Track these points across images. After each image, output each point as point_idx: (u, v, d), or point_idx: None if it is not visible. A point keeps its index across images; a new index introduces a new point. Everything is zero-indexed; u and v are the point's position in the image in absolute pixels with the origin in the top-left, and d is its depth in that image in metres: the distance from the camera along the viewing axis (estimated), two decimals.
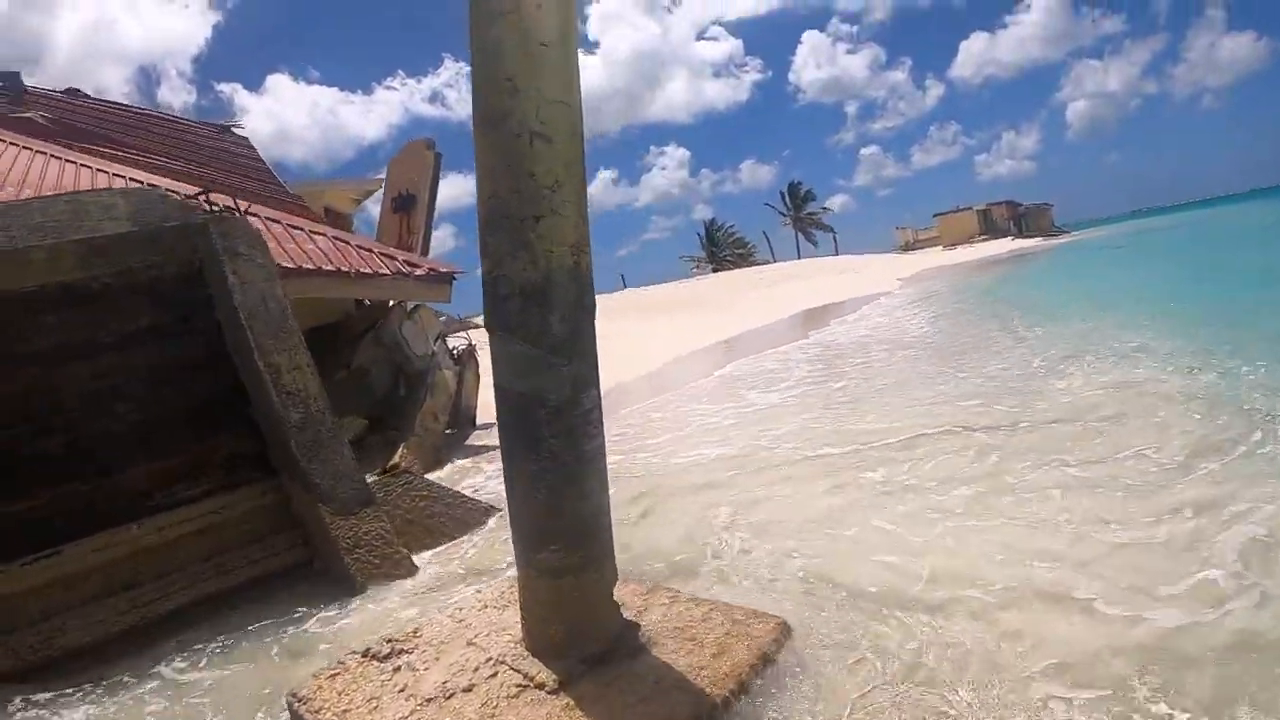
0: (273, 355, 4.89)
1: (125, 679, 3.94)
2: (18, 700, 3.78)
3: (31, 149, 9.74)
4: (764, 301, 28.34)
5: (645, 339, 19.93)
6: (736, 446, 6.95)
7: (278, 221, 8.94)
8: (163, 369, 5.41)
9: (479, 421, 11.00)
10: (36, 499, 4.89)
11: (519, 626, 3.09)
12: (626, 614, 3.16)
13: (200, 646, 4.19)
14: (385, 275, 8.54)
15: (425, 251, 11.95)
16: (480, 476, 7.59)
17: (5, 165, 8.89)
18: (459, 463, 8.54)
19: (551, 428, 2.61)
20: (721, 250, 73.19)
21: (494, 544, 5.09)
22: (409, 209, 11.99)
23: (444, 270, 9.17)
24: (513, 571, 3.21)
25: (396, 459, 7.82)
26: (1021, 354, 9.48)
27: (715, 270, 62.24)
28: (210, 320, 5.32)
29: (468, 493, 6.25)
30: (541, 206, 2.45)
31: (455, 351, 11.03)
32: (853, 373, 10.40)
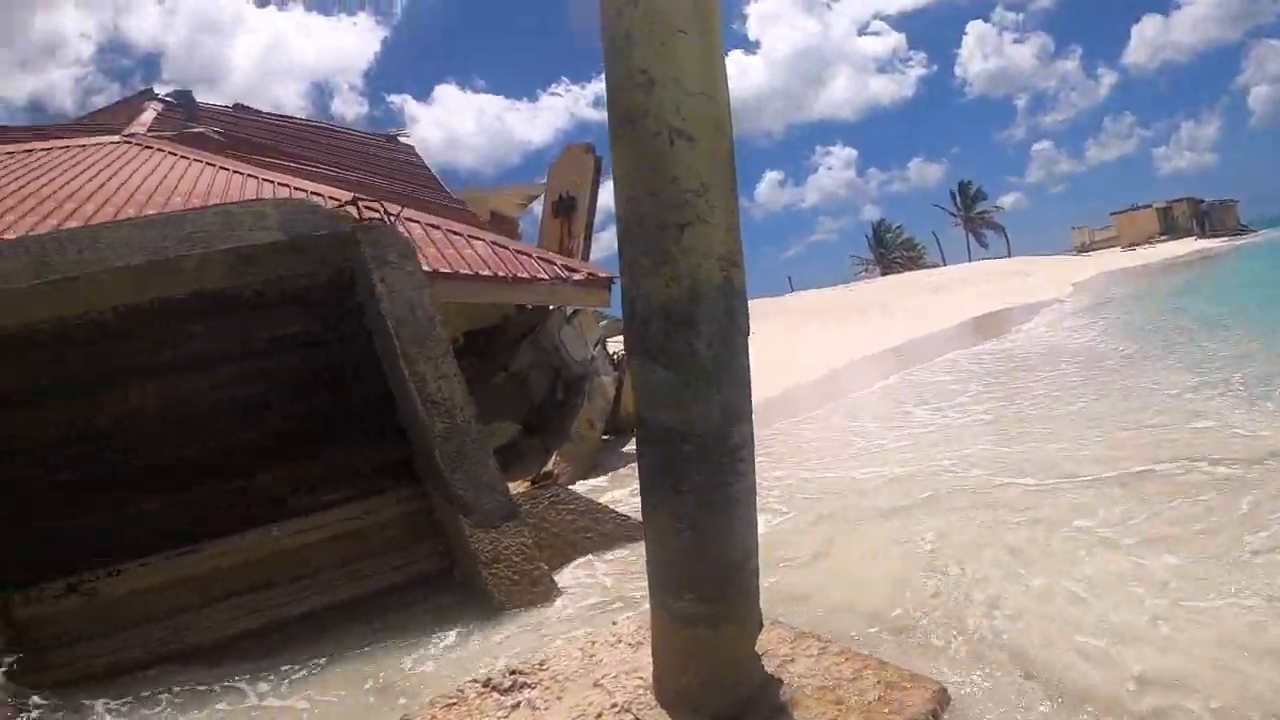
0: (419, 364, 4.80)
1: (202, 688, 3.95)
2: (98, 705, 3.84)
3: (202, 162, 10.52)
4: (932, 307, 26.91)
5: (807, 345, 19.34)
6: (912, 470, 6.30)
7: (437, 227, 9.20)
8: (311, 375, 5.49)
9: None
10: (178, 499, 5.03)
11: (651, 670, 2.84)
12: (770, 664, 2.85)
13: (289, 667, 4.13)
14: (543, 280, 8.56)
15: (586, 255, 11.98)
16: (633, 487, 7.41)
17: (176, 177, 9.65)
18: (616, 472, 8.40)
19: (696, 465, 2.32)
20: (890, 252, 70.74)
21: (642, 565, 4.87)
22: (569, 213, 12.05)
23: (603, 275, 9.11)
24: None
25: (549, 465, 7.83)
26: (1221, 372, 8.32)
27: (884, 273, 60.10)
28: (360, 328, 5.34)
29: (620, 507, 6.08)
30: (686, 213, 2.17)
31: (615, 356, 10.97)
32: (1037, 388, 9.48)
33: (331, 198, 9.16)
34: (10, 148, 10.76)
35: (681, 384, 2.27)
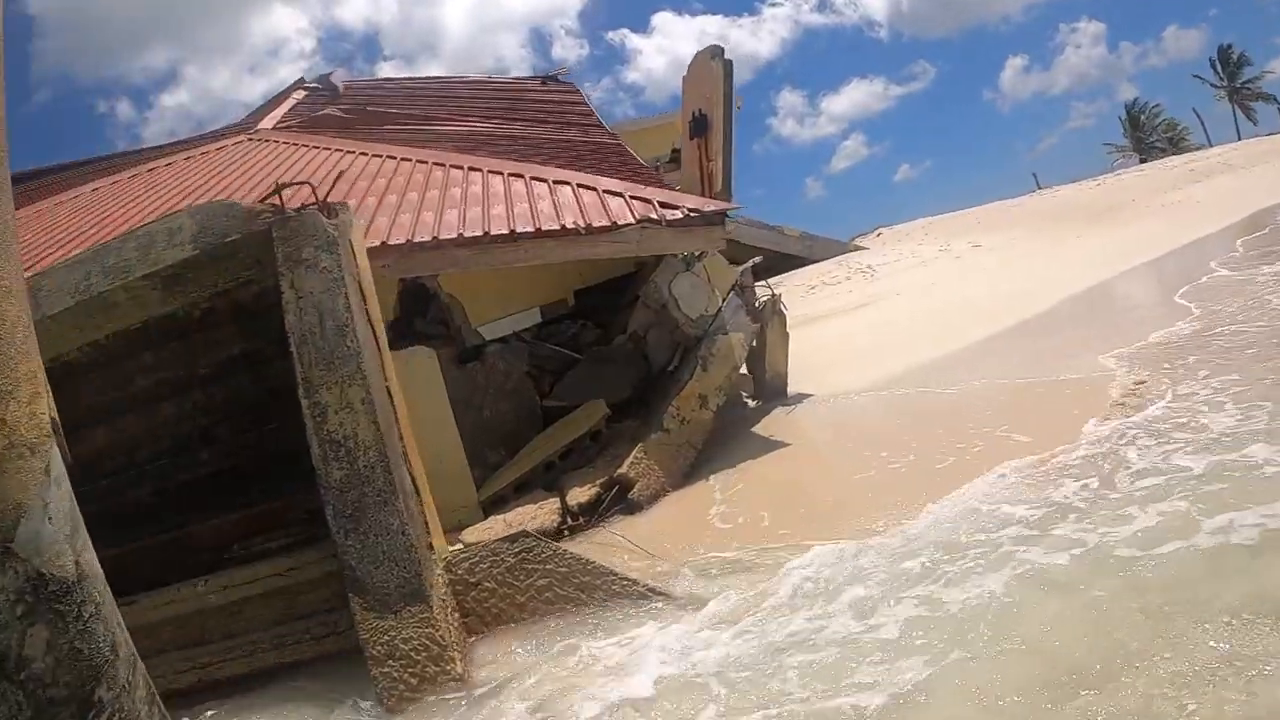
0: (320, 391, 3.84)
1: None
2: None
3: (317, 148, 10.47)
4: (1197, 200, 21.39)
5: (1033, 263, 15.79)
6: None
7: (520, 176, 7.96)
8: (262, 401, 4.63)
9: (791, 391, 8.66)
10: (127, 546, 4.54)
11: None
12: None
13: None
14: (630, 225, 6.79)
15: (727, 181, 9.99)
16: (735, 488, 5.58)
17: (282, 171, 9.56)
18: (730, 470, 6.36)
19: None
20: (1149, 136, 60.77)
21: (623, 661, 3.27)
22: (704, 132, 10.06)
23: (710, 210, 7.19)
24: None
25: (624, 467, 6.11)
26: None
27: (1142, 160, 51.51)
28: None
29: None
30: None
31: (758, 303, 8.86)
32: None
33: (419, 160, 8.78)
34: (132, 171, 11.54)
35: None
